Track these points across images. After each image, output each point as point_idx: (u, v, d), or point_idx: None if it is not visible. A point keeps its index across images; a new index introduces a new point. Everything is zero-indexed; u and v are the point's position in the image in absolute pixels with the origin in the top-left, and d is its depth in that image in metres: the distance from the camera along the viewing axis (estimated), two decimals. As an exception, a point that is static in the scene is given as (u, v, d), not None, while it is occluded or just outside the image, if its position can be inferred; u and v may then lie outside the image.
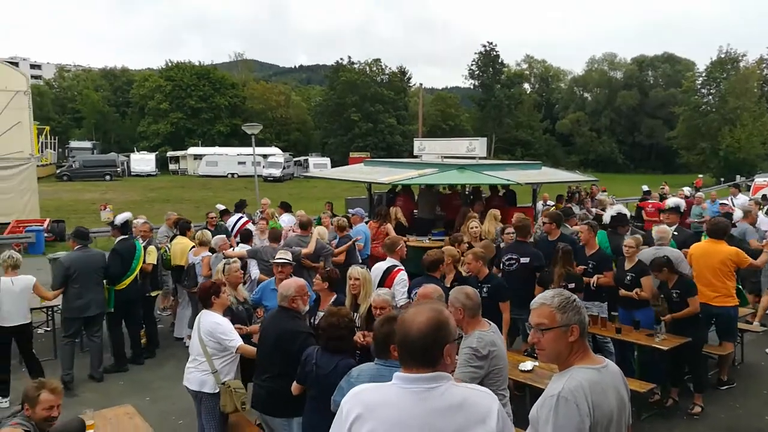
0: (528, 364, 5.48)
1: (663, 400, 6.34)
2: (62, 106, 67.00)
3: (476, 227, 8.58)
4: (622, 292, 6.56)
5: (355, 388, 2.19)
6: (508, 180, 10.57)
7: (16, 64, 29.34)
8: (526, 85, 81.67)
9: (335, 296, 5.27)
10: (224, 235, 8.60)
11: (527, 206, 13.06)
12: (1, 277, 6.67)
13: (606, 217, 9.21)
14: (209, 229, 9.42)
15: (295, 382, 4.10)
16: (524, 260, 6.94)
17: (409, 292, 5.86)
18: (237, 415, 4.83)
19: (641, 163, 71.46)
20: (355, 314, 4.94)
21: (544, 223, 7.83)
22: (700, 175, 31.89)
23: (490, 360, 3.60)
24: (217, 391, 4.69)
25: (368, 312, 4.95)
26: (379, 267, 6.41)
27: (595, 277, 6.76)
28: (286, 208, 11.83)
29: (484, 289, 5.83)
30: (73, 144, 56.31)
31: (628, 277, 6.53)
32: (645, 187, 17.48)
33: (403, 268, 6.27)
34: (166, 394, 6.81)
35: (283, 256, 6.11)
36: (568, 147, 75.30)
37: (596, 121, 74.10)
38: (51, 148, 51.04)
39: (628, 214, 9.44)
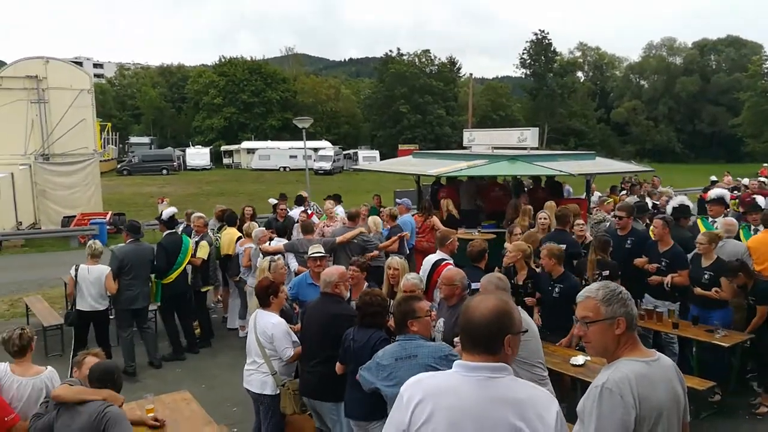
0: (580, 359, 5.35)
1: (754, 405, 5.99)
2: (122, 103, 69.60)
3: (545, 218, 8.08)
4: (698, 291, 6.17)
5: (415, 377, 2.20)
6: (560, 171, 10.32)
7: (80, 64, 30.70)
8: (580, 74, 79.54)
9: (366, 285, 5.47)
10: (263, 228, 8.71)
11: (580, 198, 12.74)
12: (81, 264, 7.12)
13: (668, 208, 8.86)
14: (279, 221, 9.60)
15: (338, 362, 4.28)
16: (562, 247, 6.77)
17: None
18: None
19: (702, 152, 68.38)
20: (391, 301, 5.01)
21: (618, 216, 7.32)
22: (765, 164, 30.20)
23: None
24: (277, 392, 4.75)
25: None
26: (429, 260, 6.44)
27: (669, 277, 6.37)
28: (337, 200, 11.94)
29: (556, 289, 5.73)
30: (133, 140, 58.42)
31: (705, 276, 6.13)
32: (713, 177, 16.80)
33: (452, 261, 6.24)
34: (221, 382, 7.03)
35: (318, 249, 6.20)
36: (623, 136, 72.89)
37: (653, 109, 71.43)
38: (112, 144, 53.16)
39: (691, 206, 9.05)
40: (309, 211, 11.06)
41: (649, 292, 6.65)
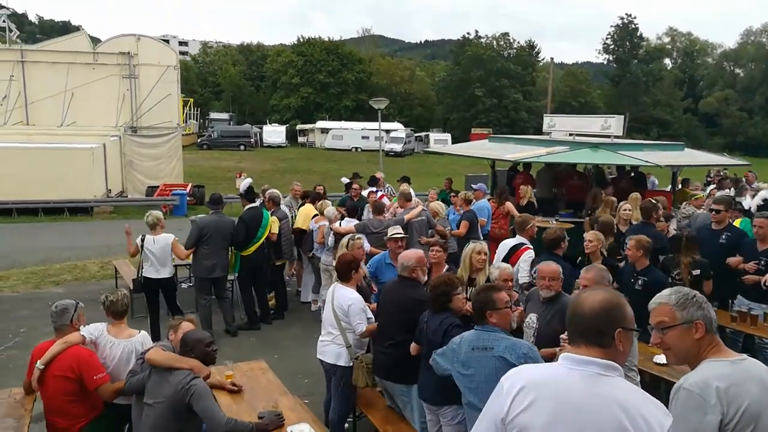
0: (663, 357, 5.09)
1: None
2: (204, 79, 72.02)
3: (629, 209, 7.75)
4: None
5: (516, 368, 2.14)
6: (646, 161, 9.84)
7: (167, 42, 31.99)
8: (667, 60, 75.39)
9: (446, 267, 5.44)
10: (334, 208, 8.77)
11: (665, 190, 12.12)
12: (147, 235, 7.38)
13: (753, 204, 8.26)
14: (353, 200, 9.70)
15: (413, 342, 4.29)
16: None
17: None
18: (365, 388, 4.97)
19: (802, 147, 63.57)
20: (470, 288, 4.95)
21: (715, 211, 6.83)
22: None
23: None
24: (351, 365, 4.82)
25: None
26: (507, 243, 6.41)
27: (767, 276, 5.89)
28: (407, 182, 11.89)
29: (639, 282, 5.46)
30: (213, 115, 60.48)
31: None
32: None
33: (531, 246, 6.19)
34: (293, 353, 7.20)
35: (398, 230, 6.21)
36: (711, 128, 68.69)
37: (748, 99, 66.79)
38: (193, 119, 55.26)
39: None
40: (380, 192, 11.06)
41: (743, 293, 6.24)
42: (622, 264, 6.16)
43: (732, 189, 13.32)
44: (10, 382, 5.23)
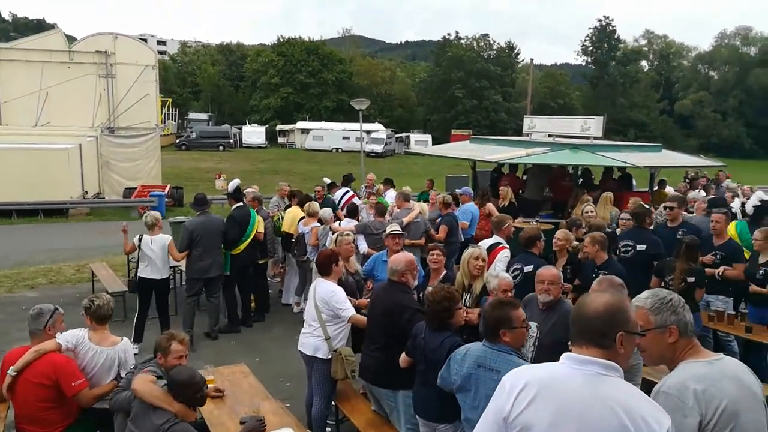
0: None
1: None
2: (183, 79, 71.23)
3: (591, 211, 8.22)
4: (753, 288, 6.02)
5: (518, 368, 2.14)
6: (625, 162, 9.96)
7: (145, 41, 31.52)
8: (644, 63, 76.52)
9: (445, 273, 5.32)
10: (331, 209, 8.76)
11: (643, 191, 12.27)
12: (145, 235, 7.32)
13: (748, 207, 8.46)
14: (317, 202, 9.65)
15: (404, 353, 4.16)
16: (640, 247, 6.55)
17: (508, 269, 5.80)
18: (344, 383, 4.96)
19: (773, 148, 64.96)
20: (467, 294, 4.93)
21: (669, 208, 7.30)
22: None
23: None
24: (329, 357, 4.81)
25: (480, 293, 4.95)
26: (484, 244, 6.40)
27: (721, 268, 6.31)
28: (390, 184, 11.90)
29: (599, 276, 5.54)
30: (192, 116, 59.81)
31: (761, 272, 5.98)
32: None
33: (507, 246, 6.30)
34: (274, 356, 7.13)
35: (396, 227, 6.22)
36: (687, 129, 69.85)
37: (722, 102, 68.06)
38: (172, 119, 54.64)
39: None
40: (350, 193, 11.02)
41: None
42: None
43: (700, 189, 13.56)
44: (-17, 389, 5.08)
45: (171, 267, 8.42)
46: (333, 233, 7.62)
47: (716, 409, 2.09)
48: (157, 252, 7.25)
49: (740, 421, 2.11)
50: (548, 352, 3.84)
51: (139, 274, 7.34)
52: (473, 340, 3.65)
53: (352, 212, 8.77)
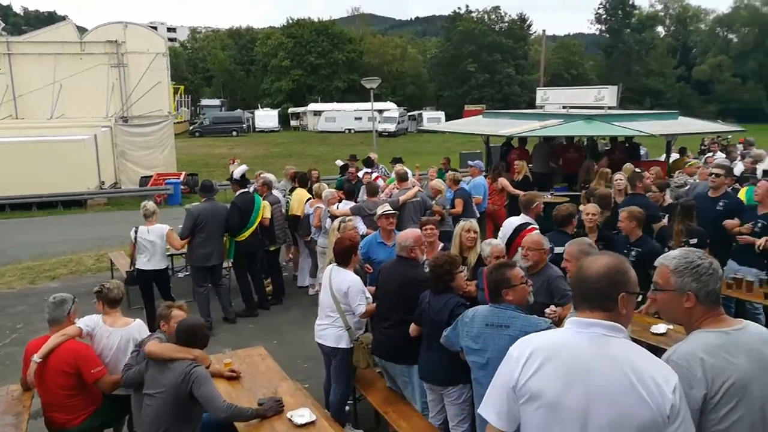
0: (661, 327, 5.06)
1: None
2: (194, 66, 71.25)
3: (621, 179, 7.72)
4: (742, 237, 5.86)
5: (524, 337, 2.15)
6: (641, 131, 9.80)
7: (154, 29, 31.51)
8: (660, 29, 74.75)
9: (442, 245, 5.48)
10: (333, 190, 8.72)
11: (659, 160, 12.07)
12: (141, 226, 7.28)
13: (759, 171, 8.26)
14: (350, 182, 9.65)
15: (413, 323, 4.27)
16: None
17: None
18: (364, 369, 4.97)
19: (797, 112, 63.24)
20: (463, 267, 4.91)
21: (714, 174, 6.72)
22: None
23: None
24: (351, 346, 4.80)
25: (475, 264, 5.10)
26: (511, 222, 6.25)
27: (763, 239, 5.87)
28: (399, 162, 11.82)
29: (633, 253, 5.39)
30: (204, 102, 59.97)
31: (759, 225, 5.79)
32: None
33: (537, 226, 5.94)
34: (292, 338, 7.20)
35: (387, 207, 6.21)
36: (705, 95, 68.24)
37: (742, 65, 66.27)
38: (185, 107, 54.80)
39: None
40: (375, 174, 11.01)
41: (735, 258, 6.24)
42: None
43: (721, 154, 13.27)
44: (8, 379, 5.23)
45: (170, 255, 8.30)
46: (331, 217, 7.62)
47: (723, 383, 2.03)
48: (156, 242, 7.18)
49: (747, 394, 2.05)
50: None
51: (137, 267, 7.25)
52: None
53: (350, 194, 8.68)
